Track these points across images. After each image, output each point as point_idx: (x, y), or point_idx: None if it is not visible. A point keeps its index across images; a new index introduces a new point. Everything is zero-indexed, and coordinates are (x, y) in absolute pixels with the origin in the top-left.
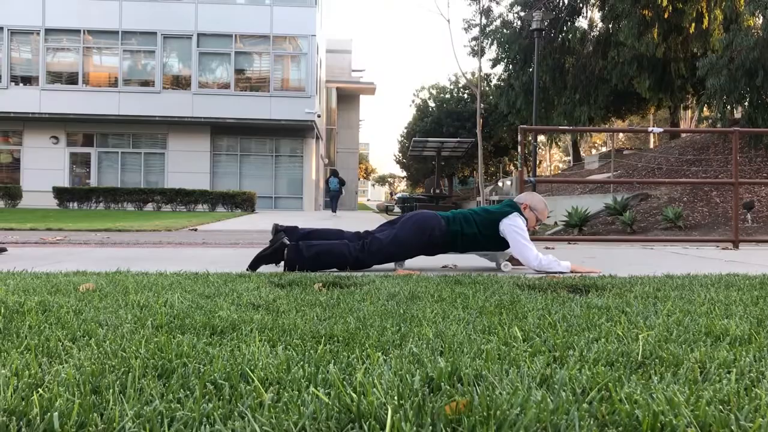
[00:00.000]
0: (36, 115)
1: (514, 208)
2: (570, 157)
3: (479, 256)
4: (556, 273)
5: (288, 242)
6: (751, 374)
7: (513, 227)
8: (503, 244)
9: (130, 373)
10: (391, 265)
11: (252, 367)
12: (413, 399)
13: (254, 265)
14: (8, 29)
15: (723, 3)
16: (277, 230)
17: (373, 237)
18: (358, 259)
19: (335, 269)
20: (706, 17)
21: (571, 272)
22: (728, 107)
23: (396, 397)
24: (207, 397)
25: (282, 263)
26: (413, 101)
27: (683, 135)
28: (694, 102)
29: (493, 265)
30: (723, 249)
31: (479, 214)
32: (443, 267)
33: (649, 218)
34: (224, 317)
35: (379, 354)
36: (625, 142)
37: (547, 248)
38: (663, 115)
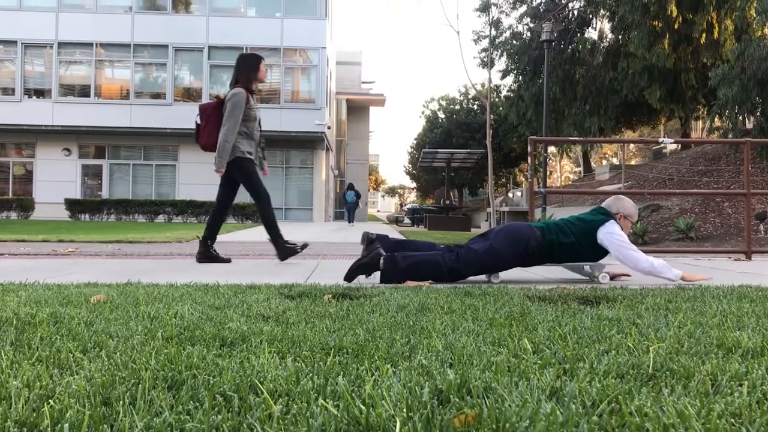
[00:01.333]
0: (48, 127)
1: (608, 216)
2: (580, 168)
3: (566, 269)
4: (666, 279)
5: (383, 253)
6: (764, 387)
7: (613, 235)
8: (600, 254)
9: (140, 385)
10: None
11: (261, 379)
12: (422, 411)
13: (351, 276)
14: (22, 43)
15: (733, 13)
16: (370, 239)
17: (467, 248)
18: (453, 270)
19: (430, 281)
20: (717, 27)
21: (683, 280)
22: (740, 117)
23: (405, 410)
24: (216, 408)
25: (369, 273)
26: (423, 112)
27: (694, 146)
28: (706, 112)
29: (577, 276)
30: (735, 260)
31: (573, 223)
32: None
33: (660, 229)
34: (234, 329)
35: (389, 366)
36: (636, 153)
37: None
38: (674, 125)
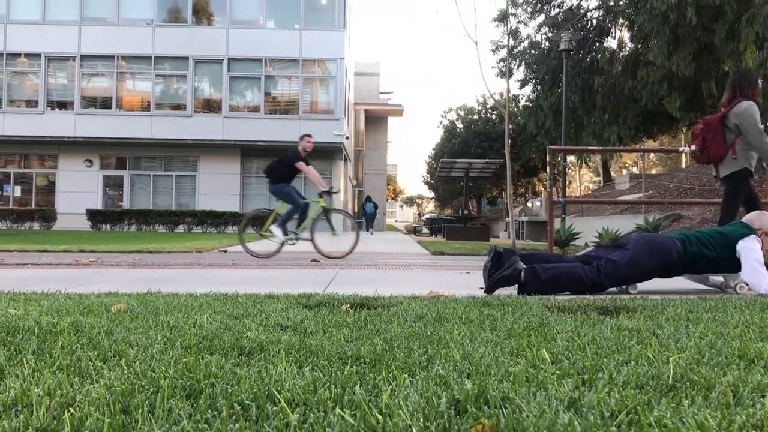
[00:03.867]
0: (71, 139)
1: (750, 230)
2: (600, 178)
3: (690, 280)
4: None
5: (523, 265)
6: None
7: (750, 250)
8: (739, 268)
9: (159, 393)
10: (419, 288)
11: (279, 388)
12: (439, 421)
13: (492, 288)
14: (45, 56)
15: (755, 21)
16: (497, 253)
17: (607, 259)
18: (595, 282)
19: (569, 293)
20: (738, 35)
21: None
22: (762, 126)
23: (422, 419)
24: (234, 417)
25: (509, 285)
26: (441, 122)
27: None
28: None
29: (701, 286)
30: None
31: (713, 236)
32: (480, 288)
33: None
34: (252, 338)
35: (406, 376)
36: (656, 162)
37: None
38: None
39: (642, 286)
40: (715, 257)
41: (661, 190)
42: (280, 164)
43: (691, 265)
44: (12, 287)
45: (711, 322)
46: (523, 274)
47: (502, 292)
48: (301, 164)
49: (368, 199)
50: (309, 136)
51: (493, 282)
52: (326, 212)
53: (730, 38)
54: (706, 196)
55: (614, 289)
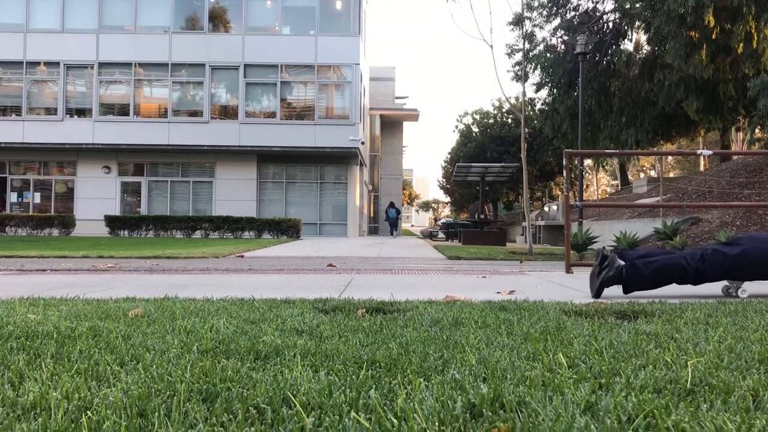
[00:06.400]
0: (89, 145)
1: None
2: (618, 181)
3: None
4: None
5: (622, 262)
6: None
7: None
8: None
9: (175, 397)
10: (435, 293)
11: (294, 392)
12: (454, 425)
13: (599, 292)
14: (64, 64)
15: None
16: (604, 256)
17: (714, 250)
18: (698, 271)
19: (673, 284)
20: (755, 37)
21: None
22: None
23: (437, 423)
24: (250, 421)
25: (615, 284)
26: (456, 127)
27: (735, 157)
28: (746, 123)
29: None
30: None
31: None
32: (497, 293)
33: (700, 243)
34: (268, 342)
35: (421, 380)
36: (674, 165)
37: None
38: (713, 137)
39: (752, 289)
40: None
41: (679, 193)
42: None
43: None
44: (32, 293)
45: (730, 326)
46: (624, 271)
47: (549, 296)
48: None
49: (391, 205)
50: None
51: (599, 284)
52: None
53: (748, 40)
54: (725, 199)
55: (721, 293)
